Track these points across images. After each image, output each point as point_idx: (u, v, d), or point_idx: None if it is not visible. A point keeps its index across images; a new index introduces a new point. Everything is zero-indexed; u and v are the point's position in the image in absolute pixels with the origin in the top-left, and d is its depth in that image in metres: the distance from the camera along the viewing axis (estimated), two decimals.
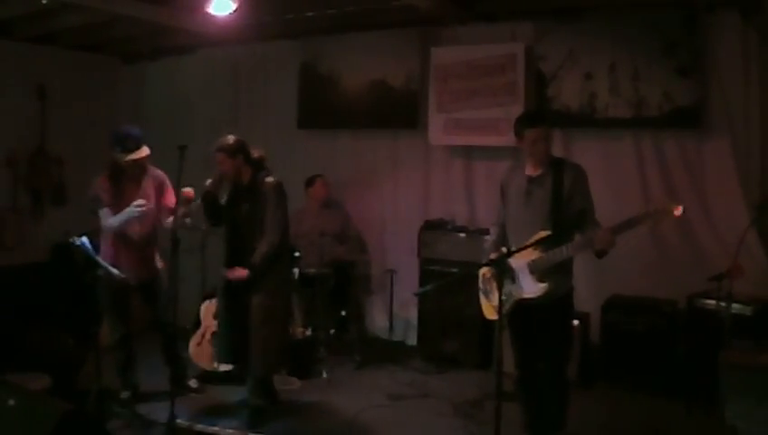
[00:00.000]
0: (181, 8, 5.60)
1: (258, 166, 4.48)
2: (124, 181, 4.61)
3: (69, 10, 5.71)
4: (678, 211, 3.37)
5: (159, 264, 4.82)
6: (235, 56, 7.13)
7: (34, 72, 6.76)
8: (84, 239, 4.18)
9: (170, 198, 4.72)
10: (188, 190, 4.48)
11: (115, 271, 4.37)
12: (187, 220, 4.71)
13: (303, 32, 6.49)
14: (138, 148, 4.55)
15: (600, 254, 3.56)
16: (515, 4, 5.65)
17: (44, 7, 5.58)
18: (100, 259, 4.27)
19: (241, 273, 4.34)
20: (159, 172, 4.77)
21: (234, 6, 4.98)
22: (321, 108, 6.65)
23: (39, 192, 6.87)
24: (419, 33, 6.13)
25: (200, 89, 7.30)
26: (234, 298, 4.44)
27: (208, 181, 4.43)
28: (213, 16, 5.12)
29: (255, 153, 4.50)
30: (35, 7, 5.67)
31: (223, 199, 4.53)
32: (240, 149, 4.38)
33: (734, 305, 4.22)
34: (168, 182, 4.76)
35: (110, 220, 4.55)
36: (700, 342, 4.59)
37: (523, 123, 3.77)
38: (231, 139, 4.41)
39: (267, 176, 4.44)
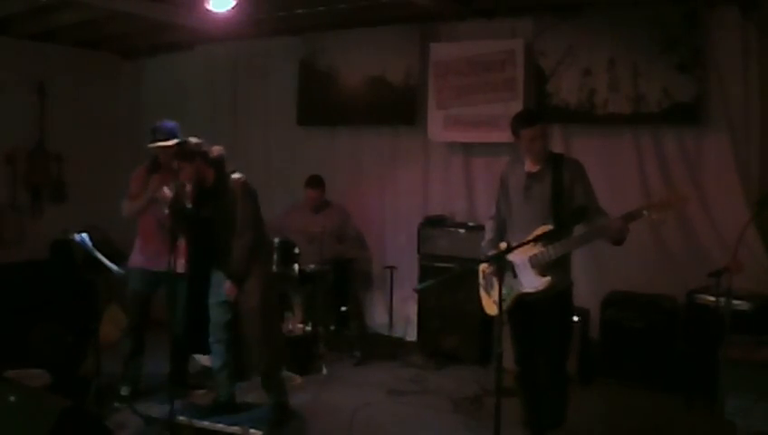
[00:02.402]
0: (180, 4, 5.59)
1: (218, 165, 4.34)
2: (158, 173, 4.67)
3: (68, 7, 5.70)
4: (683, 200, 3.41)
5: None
6: (234, 52, 7.12)
7: (34, 70, 6.76)
8: (84, 235, 4.19)
9: None
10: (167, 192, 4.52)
11: (115, 267, 4.38)
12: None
13: (302, 28, 6.48)
14: (167, 139, 4.60)
15: (618, 242, 3.57)
16: (514, 0, 5.64)
17: (43, 4, 5.57)
18: (99, 255, 4.28)
19: (231, 290, 4.27)
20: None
21: (232, 3, 4.97)
22: (321, 104, 6.64)
23: (38, 189, 6.88)
24: (418, 29, 6.12)
25: (199, 85, 7.30)
26: (198, 290, 4.44)
27: (166, 191, 4.33)
28: (212, 13, 5.10)
29: (214, 152, 4.35)
30: (34, 4, 5.66)
31: (188, 204, 4.38)
32: (197, 152, 4.22)
33: (734, 301, 4.23)
34: None
35: (124, 206, 4.71)
36: (699, 337, 4.60)
37: (519, 122, 3.77)
38: (190, 142, 4.27)
39: (232, 173, 4.33)
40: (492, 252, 3.86)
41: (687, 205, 4.46)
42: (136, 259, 4.78)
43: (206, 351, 4.67)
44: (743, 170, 4.99)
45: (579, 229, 3.70)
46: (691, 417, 4.51)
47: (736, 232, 4.30)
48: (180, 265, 4.66)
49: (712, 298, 4.41)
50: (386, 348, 5.96)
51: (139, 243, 4.81)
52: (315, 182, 6.09)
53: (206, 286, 4.43)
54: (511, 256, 3.64)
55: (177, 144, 4.38)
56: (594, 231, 3.61)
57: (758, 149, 4.99)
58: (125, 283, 4.74)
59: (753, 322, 4.38)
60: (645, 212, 3.47)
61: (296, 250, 5.55)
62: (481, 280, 4.00)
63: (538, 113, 4.12)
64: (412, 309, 6.12)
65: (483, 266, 3.97)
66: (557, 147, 5.16)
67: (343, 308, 6.04)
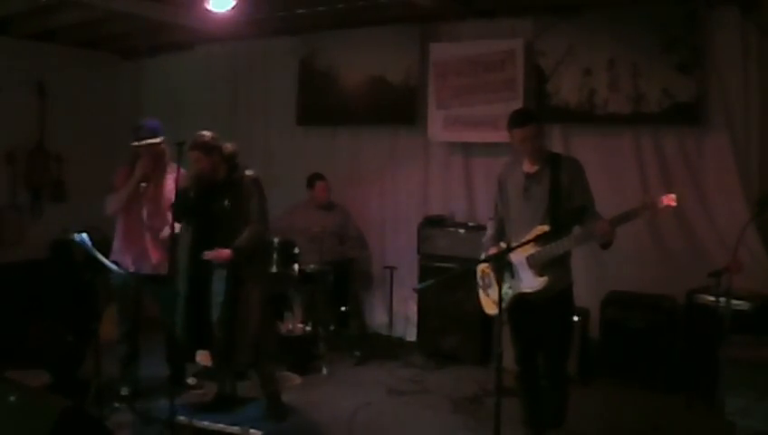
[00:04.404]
0: (180, 4, 5.59)
1: (231, 161, 4.40)
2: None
3: (68, 7, 5.70)
4: (671, 201, 3.36)
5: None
6: (233, 53, 7.13)
7: (34, 70, 6.76)
8: (84, 235, 4.19)
9: None
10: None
11: (114, 266, 4.38)
12: None
13: (302, 28, 6.48)
14: (150, 137, 4.59)
15: (605, 245, 3.57)
16: (514, 0, 5.64)
17: (43, 4, 5.57)
18: (99, 255, 4.28)
19: (223, 253, 4.20)
20: (183, 171, 4.76)
21: (232, 3, 4.97)
22: (320, 104, 6.64)
23: (38, 189, 6.88)
24: (418, 29, 6.12)
25: (199, 85, 7.30)
26: (200, 287, 4.35)
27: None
28: (211, 13, 5.11)
29: (228, 148, 4.41)
30: (34, 4, 5.66)
31: (191, 195, 4.40)
32: (216, 146, 4.31)
33: (734, 301, 4.23)
34: None
35: (108, 200, 4.67)
36: (699, 337, 4.60)
37: (511, 123, 3.77)
38: (206, 135, 4.31)
39: (245, 169, 4.40)
40: (492, 249, 3.86)
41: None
42: (121, 262, 4.62)
43: (207, 346, 4.60)
44: (743, 170, 4.99)
45: (576, 230, 3.70)
46: (691, 417, 4.50)
47: (736, 232, 4.30)
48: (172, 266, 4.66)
49: (712, 298, 4.41)
50: (386, 348, 5.96)
51: (122, 245, 4.68)
52: (322, 176, 6.13)
53: (207, 284, 4.39)
54: (510, 256, 3.64)
55: (194, 144, 4.33)
56: (581, 234, 3.61)
57: (758, 149, 4.99)
58: (123, 283, 4.68)
59: (753, 322, 4.38)
60: (632, 216, 3.45)
61: (296, 250, 5.55)
62: (479, 279, 4.01)
63: (530, 114, 4.01)
64: (412, 309, 6.12)
65: (482, 266, 3.97)
66: (557, 147, 5.17)
67: (343, 308, 6.05)
